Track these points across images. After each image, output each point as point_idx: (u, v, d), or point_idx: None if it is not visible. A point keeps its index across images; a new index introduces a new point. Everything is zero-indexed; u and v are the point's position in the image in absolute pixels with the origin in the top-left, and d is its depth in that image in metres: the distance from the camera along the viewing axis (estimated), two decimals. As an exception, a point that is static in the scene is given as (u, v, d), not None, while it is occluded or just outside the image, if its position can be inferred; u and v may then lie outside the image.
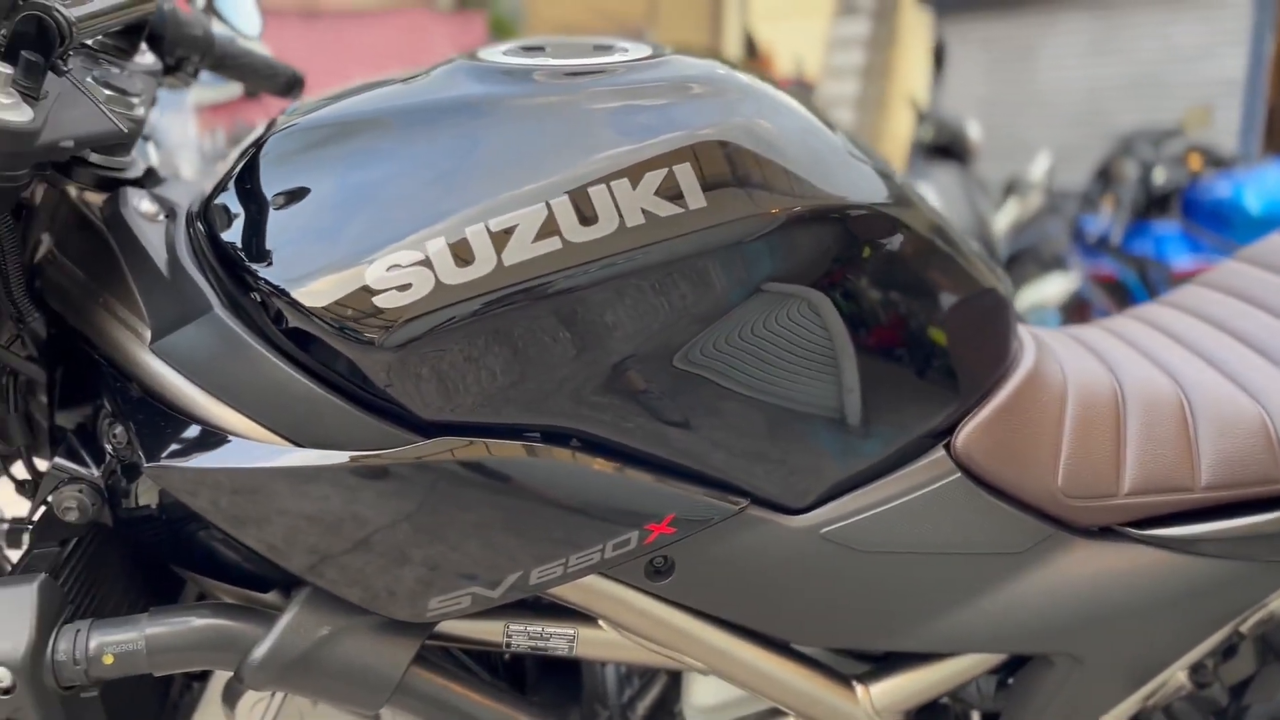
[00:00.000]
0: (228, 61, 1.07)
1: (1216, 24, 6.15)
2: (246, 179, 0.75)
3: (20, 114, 0.64)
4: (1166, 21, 6.33)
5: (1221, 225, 3.67)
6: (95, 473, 0.75)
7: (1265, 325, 0.98)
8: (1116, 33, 6.60)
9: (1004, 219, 4.63)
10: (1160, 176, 3.97)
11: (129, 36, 0.86)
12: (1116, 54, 6.61)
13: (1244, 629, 0.91)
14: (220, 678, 0.87)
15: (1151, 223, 3.92)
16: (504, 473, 0.70)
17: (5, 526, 0.94)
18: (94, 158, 0.79)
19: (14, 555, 1.02)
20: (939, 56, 4.49)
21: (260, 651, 0.73)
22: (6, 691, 0.70)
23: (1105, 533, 0.86)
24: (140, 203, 0.78)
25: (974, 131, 4.66)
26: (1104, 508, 0.85)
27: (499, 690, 0.81)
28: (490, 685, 0.81)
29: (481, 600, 0.74)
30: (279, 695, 0.85)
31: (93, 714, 0.76)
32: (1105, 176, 4.15)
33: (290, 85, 1.18)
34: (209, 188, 0.79)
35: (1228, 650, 0.92)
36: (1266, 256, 1.08)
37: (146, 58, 0.90)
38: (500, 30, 11.27)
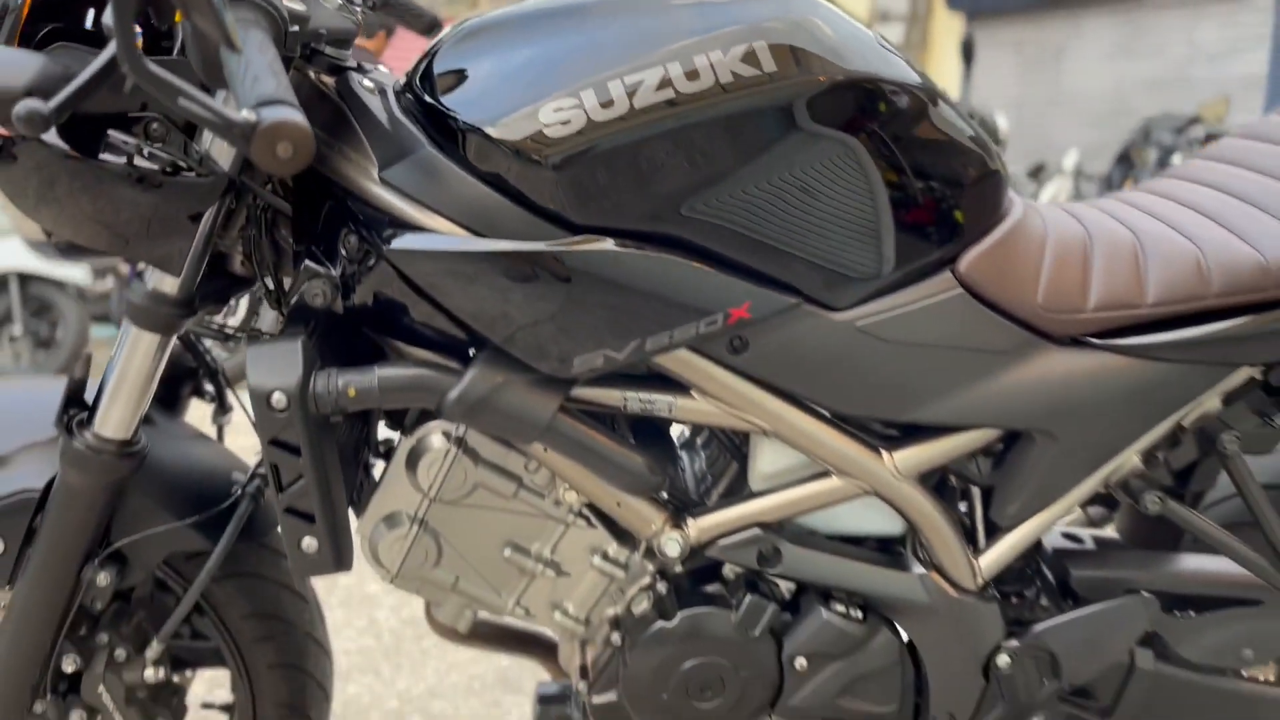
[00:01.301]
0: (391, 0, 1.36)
1: (1239, 25, 6.38)
2: (441, 59, 1.04)
3: (300, 4, 0.94)
4: (1190, 23, 6.56)
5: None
6: (334, 272, 1.04)
7: (1228, 178, 1.25)
8: (1141, 35, 6.84)
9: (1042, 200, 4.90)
10: (1179, 161, 4.22)
11: None
12: (1141, 55, 6.84)
13: (1185, 423, 1.17)
14: (400, 456, 1.15)
15: (1169, 204, 4.16)
16: (631, 265, 0.99)
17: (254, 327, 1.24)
18: (327, 50, 1.08)
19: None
20: (968, 52, 4.75)
21: (455, 393, 1.02)
22: (282, 411, 1.00)
23: (1075, 342, 1.13)
24: (363, 80, 1.07)
25: (1002, 122, 4.92)
26: (1074, 320, 1.12)
27: (622, 438, 1.09)
28: (616, 433, 1.09)
29: (610, 361, 1.03)
30: (449, 459, 1.14)
31: (329, 444, 1.05)
32: (1127, 161, 4.41)
33: (431, 26, 1.47)
34: (407, 73, 1.09)
35: (1173, 441, 1.19)
36: (1259, 130, 1.34)
37: None
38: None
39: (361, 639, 2.34)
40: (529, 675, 2.16)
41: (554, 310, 1.00)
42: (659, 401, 1.09)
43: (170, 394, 1.34)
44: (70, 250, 1.10)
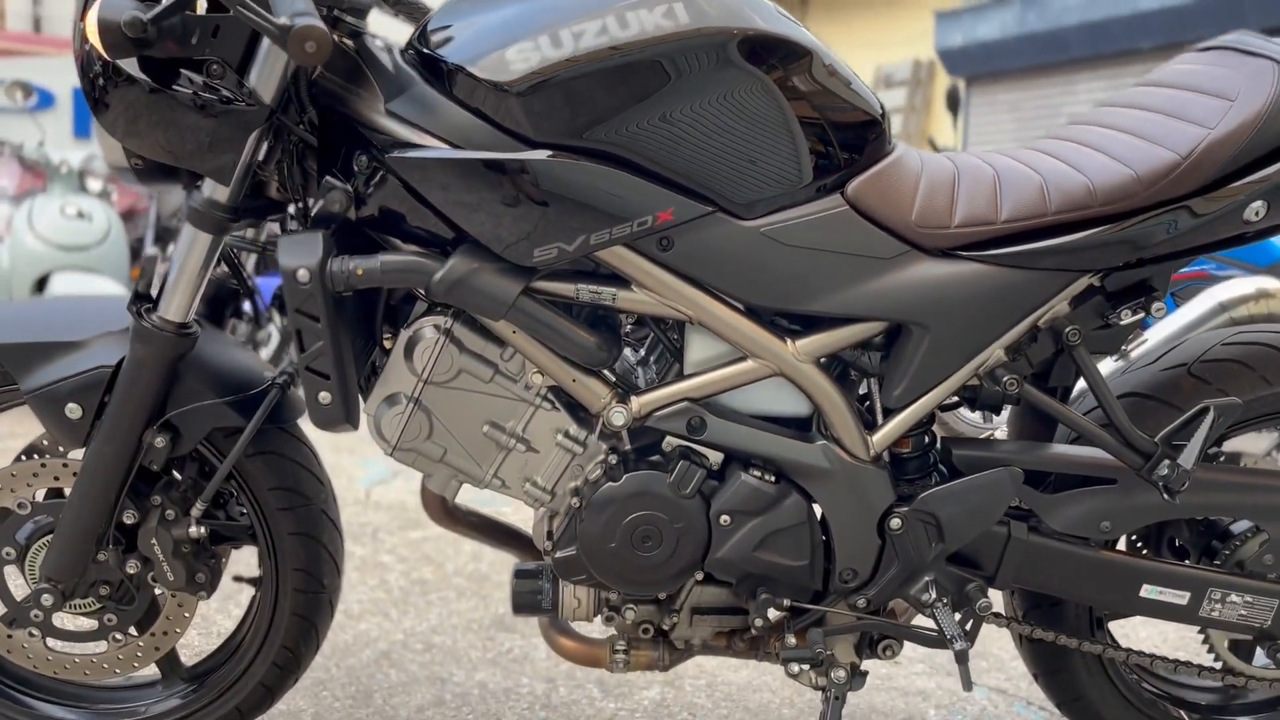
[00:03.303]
0: None
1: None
2: (434, 22, 1.35)
3: None
4: (1175, 81, 6.89)
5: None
6: (348, 186, 1.34)
7: (1080, 134, 1.52)
8: (1131, 93, 7.17)
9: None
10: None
11: None
12: (1132, 113, 7.17)
13: (1040, 323, 1.44)
14: (400, 345, 1.43)
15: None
16: (577, 173, 1.28)
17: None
18: (347, 18, 1.39)
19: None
20: (953, 103, 5.07)
21: (439, 274, 1.31)
22: (305, 284, 1.28)
23: (945, 254, 1.40)
24: (375, 41, 1.38)
25: (988, 168, 5.20)
26: (942, 234, 1.39)
27: (575, 320, 1.37)
28: (570, 316, 1.37)
29: (563, 253, 1.31)
30: (438, 346, 1.41)
31: (343, 319, 1.34)
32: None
33: None
34: (410, 36, 1.39)
35: (1031, 338, 1.45)
36: (1121, 97, 1.60)
37: None
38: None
39: (374, 593, 2.59)
40: (521, 620, 2.40)
41: (517, 209, 1.29)
42: (605, 292, 1.37)
43: (216, 314, 1.64)
44: (144, 174, 1.40)
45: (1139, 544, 1.71)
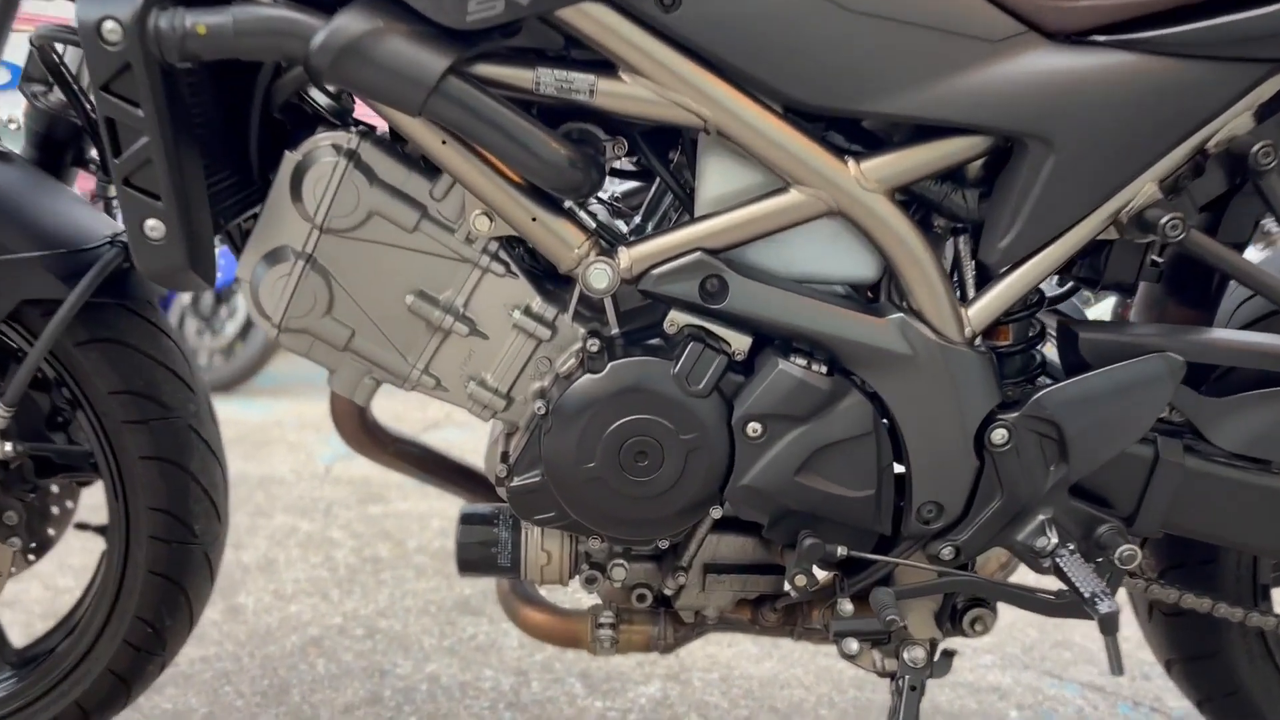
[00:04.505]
0: None
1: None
2: None
3: None
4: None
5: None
6: None
7: None
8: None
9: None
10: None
11: None
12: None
13: (1211, 144, 0.99)
14: (284, 176, 0.99)
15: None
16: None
17: None
18: None
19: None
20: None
21: (322, 35, 0.86)
22: (115, 44, 0.84)
23: (1075, 38, 0.96)
24: None
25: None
26: (1072, 9, 0.95)
27: (530, 116, 0.92)
28: (522, 109, 0.92)
29: (514, 8, 0.86)
30: (338, 174, 0.98)
31: (180, 107, 0.89)
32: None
33: None
34: None
35: (1196, 170, 1.00)
36: None
37: None
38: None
39: (315, 571, 2.14)
40: (491, 601, 1.95)
41: (444, -65, 0.84)
42: (578, 81, 0.92)
43: (52, 160, 1.19)
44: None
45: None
